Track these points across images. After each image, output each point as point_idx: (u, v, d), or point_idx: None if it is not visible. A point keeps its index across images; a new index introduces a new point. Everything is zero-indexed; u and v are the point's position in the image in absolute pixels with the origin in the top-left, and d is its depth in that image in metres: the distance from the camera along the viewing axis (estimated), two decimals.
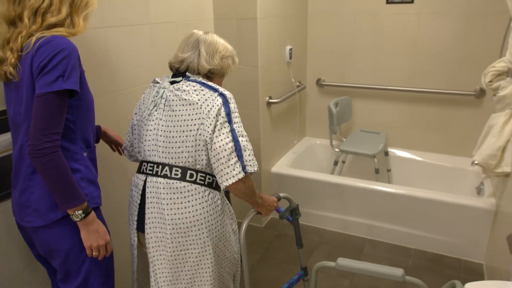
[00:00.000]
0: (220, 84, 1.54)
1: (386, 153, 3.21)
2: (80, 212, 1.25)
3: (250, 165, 1.38)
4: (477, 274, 2.41)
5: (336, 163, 3.11)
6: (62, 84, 1.16)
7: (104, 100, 1.83)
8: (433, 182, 3.09)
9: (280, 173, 2.92)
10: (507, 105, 2.14)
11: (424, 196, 2.53)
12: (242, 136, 1.39)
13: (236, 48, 2.58)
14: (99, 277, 1.39)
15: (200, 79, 1.45)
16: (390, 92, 3.18)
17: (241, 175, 1.37)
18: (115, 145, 1.75)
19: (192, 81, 1.43)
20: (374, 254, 2.61)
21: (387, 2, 2.98)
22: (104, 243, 1.33)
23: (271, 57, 2.72)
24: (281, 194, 1.76)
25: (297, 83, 3.21)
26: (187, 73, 1.46)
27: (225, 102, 1.39)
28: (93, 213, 1.29)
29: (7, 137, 1.46)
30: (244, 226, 1.59)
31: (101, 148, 1.82)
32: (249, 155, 1.39)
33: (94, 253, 1.32)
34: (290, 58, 2.95)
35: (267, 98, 2.75)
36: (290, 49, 2.93)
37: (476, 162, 2.25)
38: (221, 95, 1.40)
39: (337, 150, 3.04)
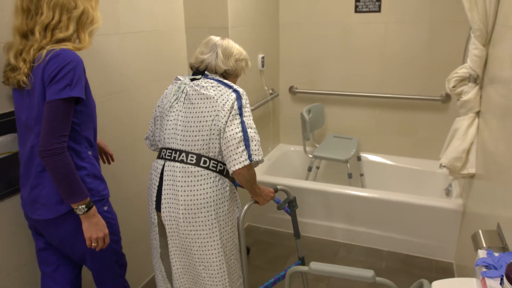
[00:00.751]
0: (234, 83, 1.71)
1: (359, 158, 3.27)
2: (83, 206, 1.38)
3: (256, 154, 1.56)
4: (448, 273, 2.48)
5: (310, 169, 3.15)
6: (69, 92, 1.30)
7: None
8: (404, 185, 3.17)
9: None
10: (470, 109, 2.23)
11: (396, 199, 2.60)
12: (251, 128, 1.57)
13: None
14: (112, 256, 1.59)
15: (217, 77, 1.65)
16: (361, 98, 3.26)
17: (247, 162, 1.54)
18: (100, 152, 1.85)
19: (210, 78, 1.64)
20: (349, 258, 2.65)
21: (355, 11, 3.07)
22: (103, 236, 1.45)
23: None
24: (279, 187, 1.90)
25: (270, 91, 3.25)
26: (206, 72, 1.66)
27: (238, 97, 1.58)
28: (94, 208, 1.42)
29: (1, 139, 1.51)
30: (243, 211, 1.75)
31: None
32: (255, 145, 1.56)
33: (93, 244, 1.44)
34: (263, 66, 2.99)
35: None
36: (263, 58, 2.97)
37: (443, 164, 2.33)
38: (235, 91, 1.59)
39: (310, 156, 3.09)
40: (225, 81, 1.63)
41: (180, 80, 1.66)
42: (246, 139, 1.55)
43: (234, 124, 1.54)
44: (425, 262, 2.59)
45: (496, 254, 1.16)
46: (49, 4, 1.33)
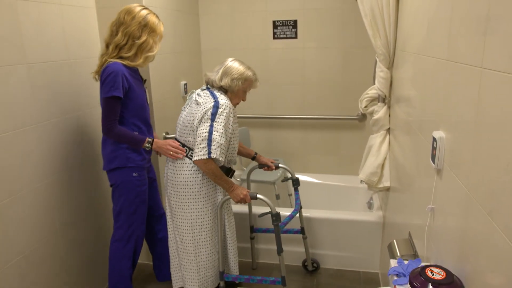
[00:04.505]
0: (235, 98, 2.11)
1: (286, 179, 3.34)
2: (147, 144, 2.09)
3: (213, 153, 1.92)
4: (374, 283, 2.59)
5: None
6: (112, 92, 1.92)
7: None
8: (331, 202, 3.29)
9: None
10: (381, 127, 2.40)
11: (323, 216, 2.68)
12: (217, 131, 1.93)
13: None
14: (126, 210, 2.16)
15: (215, 90, 2.06)
16: (284, 121, 3.37)
17: (205, 156, 1.93)
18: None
19: (209, 90, 2.07)
20: None
21: (274, 38, 3.21)
22: (166, 147, 2.09)
23: (165, 93, 2.72)
24: (259, 196, 2.07)
25: None
26: (207, 85, 2.12)
27: (215, 107, 1.96)
28: (155, 140, 2.12)
29: None
30: (223, 199, 2.13)
31: None
32: (215, 145, 1.93)
33: (170, 153, 2.08)
34: (185, 92, 2.99)
35: (164, 134, 2.72)
36: (185, 84, 2.97)
37: (361, 180, 2.47)
38: (216, 101, 1.98)
39: (238, 180, 3.10)
40: (217, 93, 2.04)
41: (196, 90, 2.14)
42: (209, 139, 1.93)
43: (204, 125, 1.95)
44: (353, 274, 2.69)
45: (406, 262, 1.24)
46: (123, 31, 1.96)
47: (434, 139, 1.23)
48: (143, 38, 1.98)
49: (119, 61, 1.96)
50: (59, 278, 2.18)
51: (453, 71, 1.14)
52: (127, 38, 1.96)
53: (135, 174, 2.12)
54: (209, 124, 1.94)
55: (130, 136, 2.03)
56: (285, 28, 3.17)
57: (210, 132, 1.92)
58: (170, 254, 2.32)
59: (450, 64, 1.16)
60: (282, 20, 3.16)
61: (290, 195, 3.34)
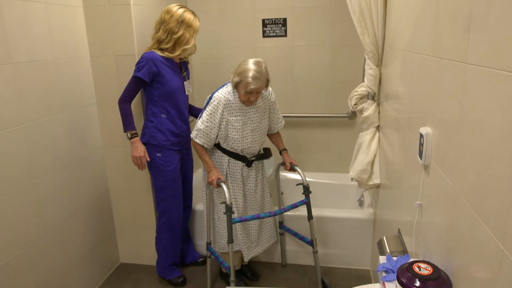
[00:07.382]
0: (242, 94, 2.16)
1: (277, 177, 3.34)
2: (128, 134, 2.28)
3: (192, 133, 2.26)
4: (366, 279, 2.60)
5: None
6: (136, 73, 2.23)
7: None
8: (321, 199, 3.29)
9: None
10: (371, 124, 2.40)
11: (314, 214, 2.67)
12: (202, 119, 2.22)
13: (116, 85, 2.51)
14: (155, 185, 2.49)
15: (226, 83, 2.28)
16: None
17: (192, 135, 2.26)
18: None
19: (228, 83, 2.28)
20: (273, 276, 2.67)
21: (263, 36, 3.20)
22: (138, 156, 2.30)
23: None
24: (222, 185, 2.18)
25: None
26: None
27: (210, 98, 2.25)
28: (136, 138, 2.30)
29: None
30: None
31: None
32: (195, 129, 2.23)
33: (133, 161, 2.33)
34: None
35: None
36: None
37: (352, 177, 2.48)
38: (214, 93, 2.25)
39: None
40: (225, 85, 2.26)
41: None
42: (197, 123, 2.23)
43: (201, 112, 2.26)
44: (345, 271, 2.69)
45: (395, 258, 1.24)
46: (164, 28, 2.27)
47: (421, 135, 1.24)
48: (180, 33, 2.27)
49: (156, 51, 2.27)
50: (48, 280, 2.15)
51: (439, 67, 1.14)
52: (167, 34, 2.26)
53: (158, 155, 2.37)
54: (202, 112, 2.24)
55: (125, 116, 2.26)
56: (274, 27, 3.17)
57: (199, 118, 2.23)
58: None
59: (436, 60, 1.17)
60: (271, 19, 3.15)
61: (281, 193, 3.33)
